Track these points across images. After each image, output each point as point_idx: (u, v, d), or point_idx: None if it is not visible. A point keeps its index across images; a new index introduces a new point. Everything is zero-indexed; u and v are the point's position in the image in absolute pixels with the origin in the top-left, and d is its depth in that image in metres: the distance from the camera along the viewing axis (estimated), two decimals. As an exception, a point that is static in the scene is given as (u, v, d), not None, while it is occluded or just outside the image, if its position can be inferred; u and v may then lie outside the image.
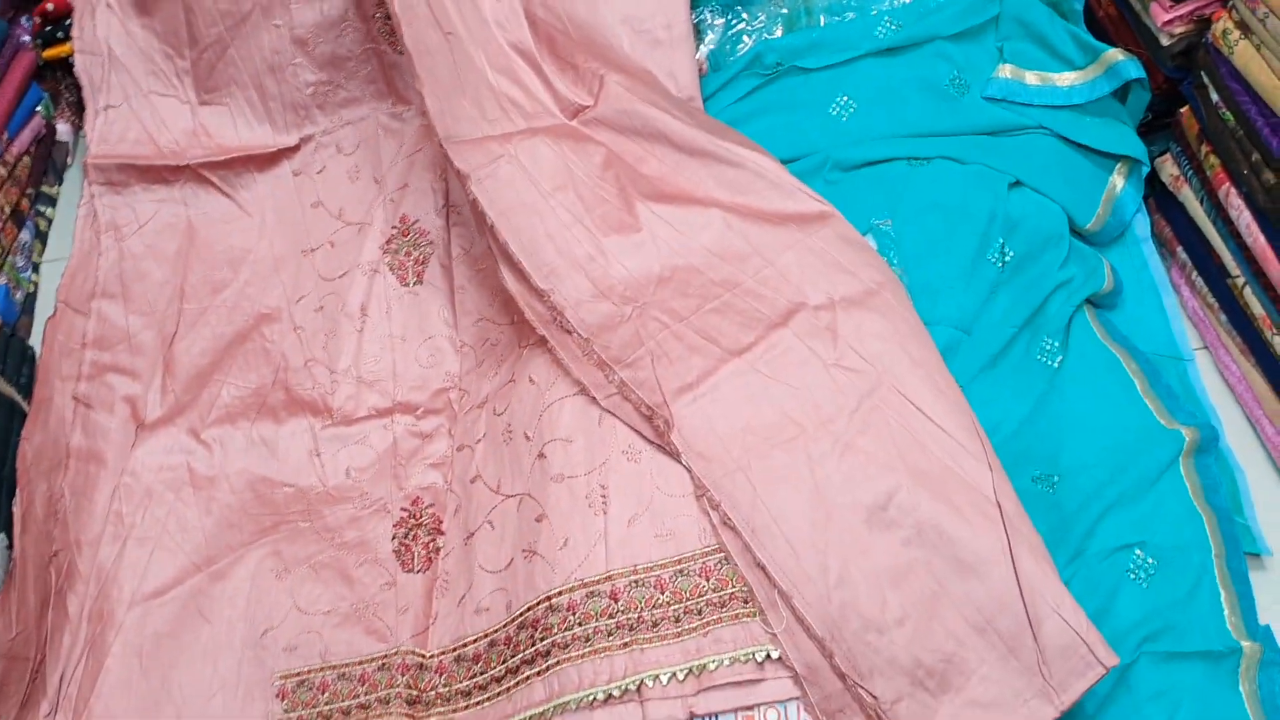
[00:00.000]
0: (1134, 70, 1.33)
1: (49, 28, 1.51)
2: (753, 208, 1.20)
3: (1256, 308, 1.25)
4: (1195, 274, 1.35)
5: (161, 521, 1.21)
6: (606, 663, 1.01)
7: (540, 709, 1.01)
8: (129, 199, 1.43)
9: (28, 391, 1.29)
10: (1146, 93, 1.37)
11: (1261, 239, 1.21)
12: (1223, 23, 1.23)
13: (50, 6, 1.49)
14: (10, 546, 1.18)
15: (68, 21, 1.48)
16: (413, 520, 1.20)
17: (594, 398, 1.11)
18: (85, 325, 1.35)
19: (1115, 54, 1.35)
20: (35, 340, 1.40)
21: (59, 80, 1.60)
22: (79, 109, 1.61)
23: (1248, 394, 1.28)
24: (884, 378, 1.08)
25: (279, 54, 1.41)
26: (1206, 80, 1.27)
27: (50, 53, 1.53)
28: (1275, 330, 1.23)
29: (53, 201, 1.55)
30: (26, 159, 1.49)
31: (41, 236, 1.51)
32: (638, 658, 1.01)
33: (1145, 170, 1.36)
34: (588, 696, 1.00)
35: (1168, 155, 1.38)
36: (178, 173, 1.42)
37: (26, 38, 1.52)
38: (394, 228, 1.38)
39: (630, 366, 1.11)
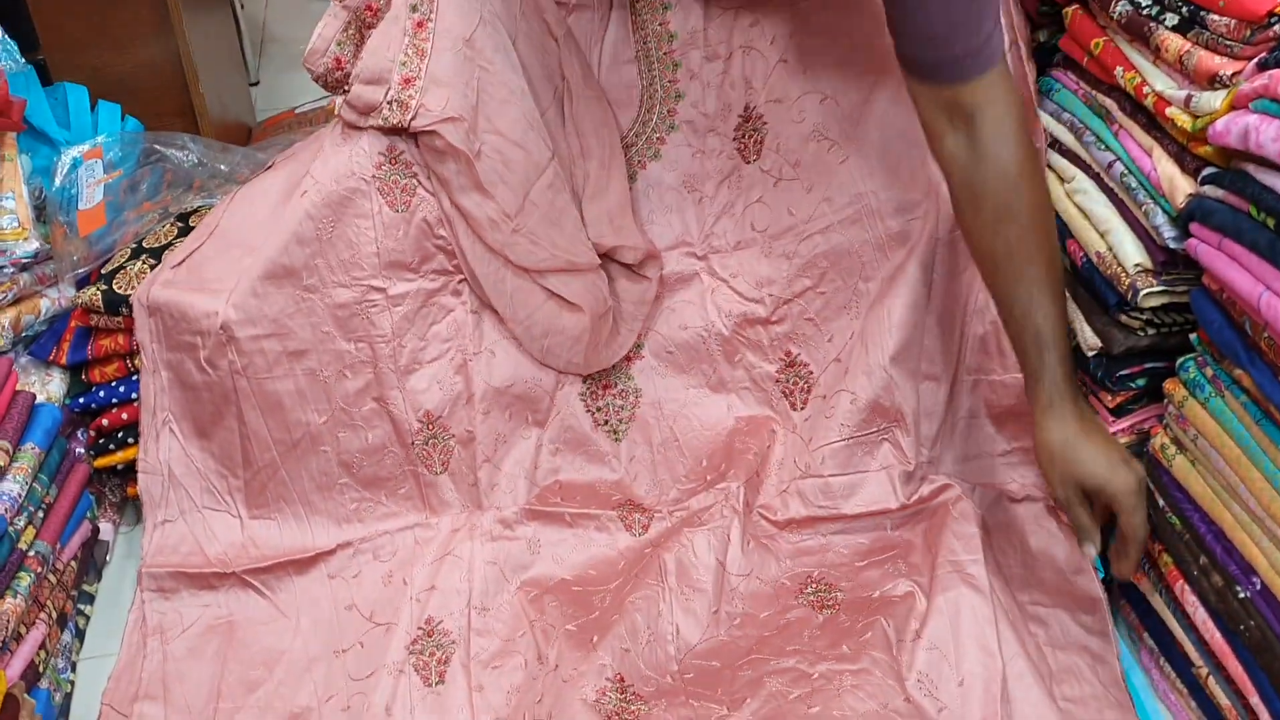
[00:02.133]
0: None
1: (101, 440, 1.68)
2: None
3: (1222, 698, 1.33)
4: (1163, 660, 1.44)
5: None
6: None
7: None
8: (176, 604, 1.55)
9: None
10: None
11: (1218, 636, 1.31)
12: (1159, 438, 1.38)
13: (105, 422, 1.66)
14: None
15: (119, 433, 1.66)
16: None
17: None
18: (127, 728, 1.45)
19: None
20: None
21: (103, 483, 1.75)
22: (120, 508, 1.78)
23: (1230, 786, 1.34)
24: None
25: (326, 475, 1.58)
26: (1152, 486, 1.41)
27: (101, 462, 1.68)
28: (1243, 724, 1.31)
29: (91, 599, 1.66)
30: (73, 564, 1.60)
31: (80, 635, 1.61)
32: None
33: (1101, 576, 1.50)
34: None
35: (1128, 549, 1.50)
36: (223, 579, 1.55)
37: (81, 450, 1.68)
38: (420, 628, 1.49)
39: None
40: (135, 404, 1.62)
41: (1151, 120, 1.31)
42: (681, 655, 1.40)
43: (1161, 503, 1.39)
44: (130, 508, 1.79)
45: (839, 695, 1.28)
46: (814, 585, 1.45)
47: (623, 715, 1.32)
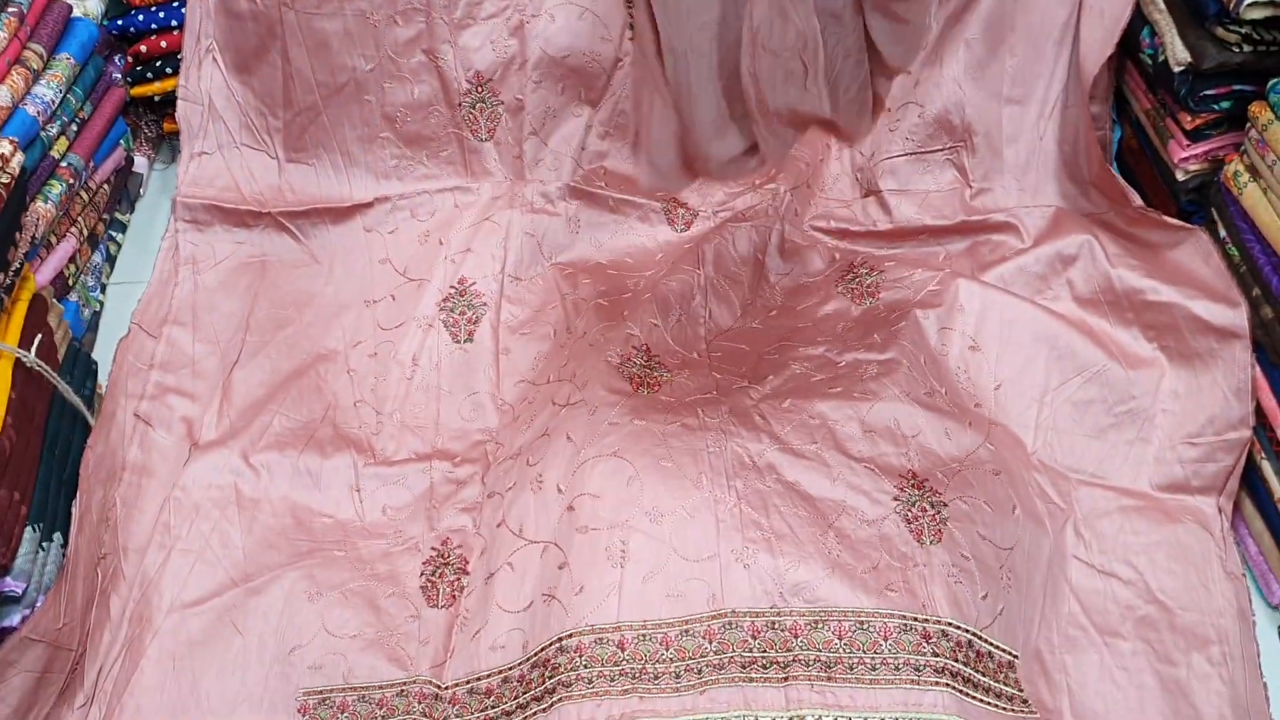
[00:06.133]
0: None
1: (139, 68, 1.63)
2: None
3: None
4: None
5: (205, 536, 1.30)
6: (605, 705, 1.07)
7: None
8: (210, 237, 1.54)
9: (89, 404, 1.38)
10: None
11: (1258, 370, 1.29)
12: (1234, 165, 1.32)
13: (143, 49, 1.61)
14: (65, 545, 1.26)
15: (157, 63, 1.61)
16: (440, 559, 1.28)
17: (626, 459, 1.19)
18: (154, 348, 1.45)
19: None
20: (96, 355, 1.49)
21: (139, 116, 1.73)
22: (156, 143, 1.76)
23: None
24: None
25: (368, 126, 1.54)
26: (1216, 216, 1.36)
27: (138, 90, 1.65)
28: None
29: (124, 228, 1.67)
30: (106, 187, 1.60)
31: (111, 260, 1.62)
32: (634, 705, 1.07)
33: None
34: (582, 733, 1.06)
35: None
36: (258, 218, 1.54)
37: (118, 75, 1.64)
38: (452, 287, 1.48)
39: None
40: (175, 33, 1.56)
41: None
42: (711, 336, 1.39)
43: (1223, 233, 1.35)
44: (166, 146, 1.76)
45: (862, 381, 1.27)
46: (854, 273, 1.42)
47: (645, 379, 1.32)
